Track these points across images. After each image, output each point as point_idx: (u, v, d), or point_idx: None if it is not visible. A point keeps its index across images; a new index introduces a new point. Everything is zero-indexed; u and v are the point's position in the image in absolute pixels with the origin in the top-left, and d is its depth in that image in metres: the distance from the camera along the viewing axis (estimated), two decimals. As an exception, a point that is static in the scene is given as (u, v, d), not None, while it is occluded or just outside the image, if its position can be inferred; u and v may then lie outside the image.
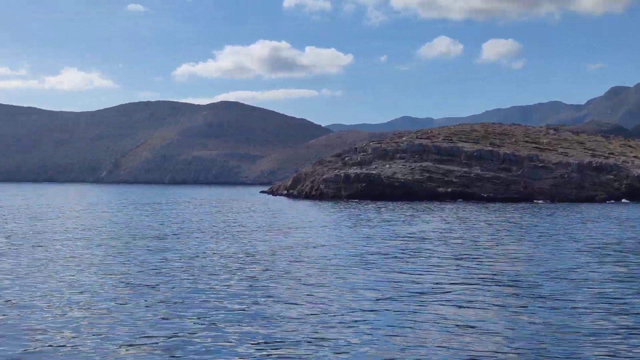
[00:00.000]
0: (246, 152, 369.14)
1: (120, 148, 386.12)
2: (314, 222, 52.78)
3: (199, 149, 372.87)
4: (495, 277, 23.95)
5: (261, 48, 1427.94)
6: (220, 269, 25.32)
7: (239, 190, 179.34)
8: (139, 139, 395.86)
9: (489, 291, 20.92)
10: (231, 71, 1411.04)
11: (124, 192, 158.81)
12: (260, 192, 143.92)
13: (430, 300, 19.39)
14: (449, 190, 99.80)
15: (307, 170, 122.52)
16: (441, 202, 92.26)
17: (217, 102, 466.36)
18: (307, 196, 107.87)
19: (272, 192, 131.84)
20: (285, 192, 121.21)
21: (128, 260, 27.75)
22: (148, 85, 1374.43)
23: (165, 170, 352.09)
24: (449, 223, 51.11)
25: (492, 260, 28.85)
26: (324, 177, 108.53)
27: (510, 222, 52.77)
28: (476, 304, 18.75)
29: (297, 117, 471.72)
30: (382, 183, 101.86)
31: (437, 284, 22.21)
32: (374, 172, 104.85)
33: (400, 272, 24.77)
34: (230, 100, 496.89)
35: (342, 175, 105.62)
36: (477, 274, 24.42)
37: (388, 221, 52.73)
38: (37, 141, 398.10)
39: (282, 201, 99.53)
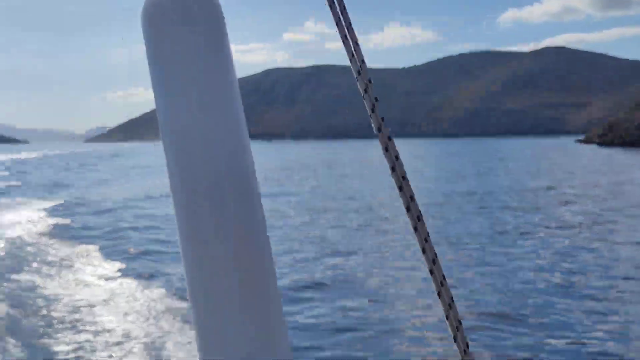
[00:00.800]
0: (571, 100, 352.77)
1: (436, 101, 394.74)
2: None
3: (518, 98, 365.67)
4: None
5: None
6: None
7: (557, 141, 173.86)
8: (455, 91, 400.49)
9: None
10: (559, 13, 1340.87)
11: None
12: (575, 141, 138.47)
13: None
14: None
15: (623, 117, 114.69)
16: None
17: (541, 49, 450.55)
18: (623, 143, 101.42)
19: (585, 141, 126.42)
20: (598, 140, 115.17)
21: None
22: (471, 35, 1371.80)
23: (481, 122, 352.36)
24: None
25: None
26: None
27: None
28: None
29: (631, 59, 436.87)
30: None
31: None
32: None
33: None
34: (556, 45, 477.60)
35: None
36: None
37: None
38: (360, 99, 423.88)
39: (590, 150, 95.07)
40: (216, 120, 0.74)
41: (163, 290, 12.16)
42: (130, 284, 12.77)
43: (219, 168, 0.74)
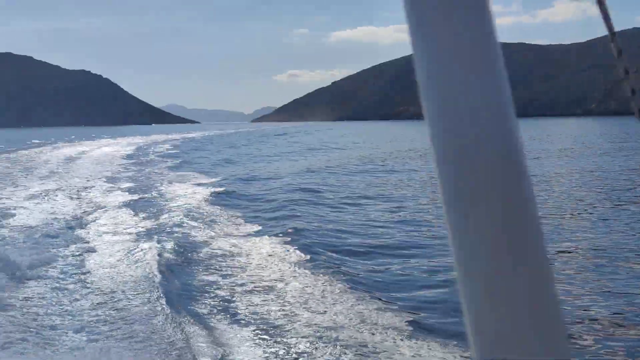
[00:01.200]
0: None
1: (611, 78, 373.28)
2: None
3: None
4: None
5: None
6: None
7: None
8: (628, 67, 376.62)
9: None
10: None
11: None
12: None
13: None
14: None
15: None
16: None
17: None
18: None
19: None
20: None
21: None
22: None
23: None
24: None
25: None
26: None
27: None
28: None
29: None
30: None
31: None
32: None
33: None
34: None
35: None
36: None
37: None
38: (525, 77, 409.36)
39: None
40: (482, 95, 0.70)
41: (296, 248, 14.28)
42: (266, 240, 15.18)
43: (487, 146, 0.69)
